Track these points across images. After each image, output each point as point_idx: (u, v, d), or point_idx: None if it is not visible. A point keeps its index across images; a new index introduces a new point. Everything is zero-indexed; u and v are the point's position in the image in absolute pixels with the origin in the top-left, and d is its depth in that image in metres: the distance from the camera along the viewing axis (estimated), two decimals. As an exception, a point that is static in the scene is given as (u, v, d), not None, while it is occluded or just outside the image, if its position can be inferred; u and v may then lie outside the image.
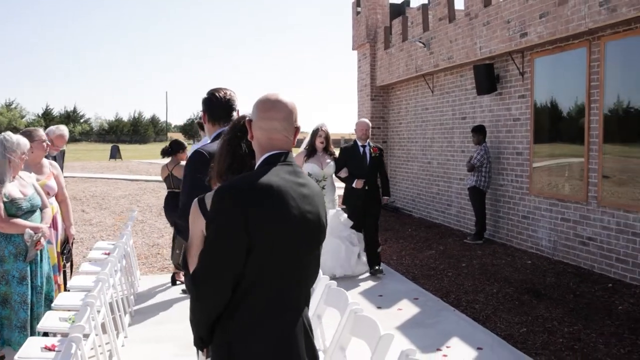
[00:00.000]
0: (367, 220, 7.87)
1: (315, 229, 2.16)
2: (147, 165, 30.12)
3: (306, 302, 2.22)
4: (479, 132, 9.71)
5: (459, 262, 8.47)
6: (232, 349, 2.06)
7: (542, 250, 8.76)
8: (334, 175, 7.85)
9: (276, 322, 2.08)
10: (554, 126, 8.59)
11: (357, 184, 7.66)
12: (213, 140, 3.37)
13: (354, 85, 16.05)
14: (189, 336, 2.26)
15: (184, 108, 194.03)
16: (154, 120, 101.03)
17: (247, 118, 2.27)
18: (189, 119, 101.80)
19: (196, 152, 3.23)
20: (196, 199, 2.67)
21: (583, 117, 7.80)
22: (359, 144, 7.88)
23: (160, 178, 8.33)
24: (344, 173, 7.77)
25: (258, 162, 2.19)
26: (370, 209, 7.84)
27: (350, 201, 7.93)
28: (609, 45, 7.30)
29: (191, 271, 2.72)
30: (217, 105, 3.41)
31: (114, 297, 5.19)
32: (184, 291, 6.88)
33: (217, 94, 3.43)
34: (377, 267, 7.78)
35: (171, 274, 7.51)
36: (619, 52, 7.21)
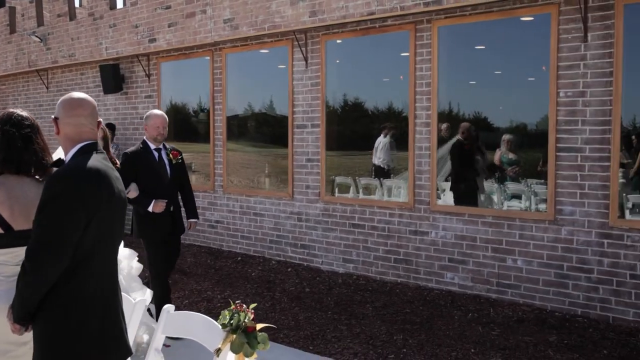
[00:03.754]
0: (170, 254, 5.71)
1: (125, 204, 2.64)
2: None
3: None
4: (112, 129, 10.10)
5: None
6: (67, 308, 2.36)
7: (174, 236, 9.69)
8: None
9: (106, 277, 2.50)
10: (183, 125, 9.60)
11: (156, 206, 5.32)
12: None
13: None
14: None
15: None
16: None
17: (53, 116, 2.57)
18: None
19: None
20: None
21: (209, 117, 9.01)
22: (152, 146, 5.49)
23: None
24: (133, 192, 5.29)
25: (72, 152, 2.51)
26: (175, 240, 5.72)
27: (147, 233, 5.41)
28: (230, 56, 8.64)
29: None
30: None
31: None
32: None
33: None
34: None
35: None
36: (236, 62, 8.61)
